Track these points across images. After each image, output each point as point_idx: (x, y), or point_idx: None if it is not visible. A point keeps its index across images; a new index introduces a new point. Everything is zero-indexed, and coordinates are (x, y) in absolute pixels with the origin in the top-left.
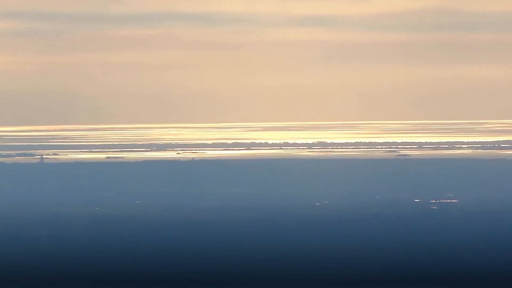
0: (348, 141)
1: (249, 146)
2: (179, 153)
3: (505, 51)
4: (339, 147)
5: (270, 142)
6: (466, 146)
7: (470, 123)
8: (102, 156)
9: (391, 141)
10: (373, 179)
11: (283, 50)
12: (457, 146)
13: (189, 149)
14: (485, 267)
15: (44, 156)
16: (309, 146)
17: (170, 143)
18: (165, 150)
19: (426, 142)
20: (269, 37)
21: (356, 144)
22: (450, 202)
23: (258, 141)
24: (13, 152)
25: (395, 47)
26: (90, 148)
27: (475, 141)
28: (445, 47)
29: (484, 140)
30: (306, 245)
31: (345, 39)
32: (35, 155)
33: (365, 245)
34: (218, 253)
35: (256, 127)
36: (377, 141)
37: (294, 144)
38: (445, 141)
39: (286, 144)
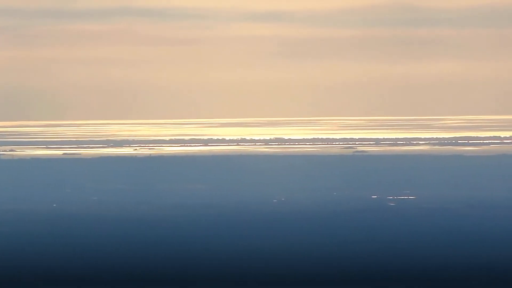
0: (305, 137)
1: (206, 142)
2: (136, 150)
3: (462, 47)
4: (296, 143)
5: (227, 138)
6: (423, 142)
7: (428, 119)
8: (59, 152)
9: (348, 137)
10: (330, 176)
11: (240, 45)
12: (414, 142)
13: (146, 145)
14: (442, 264)
15: (0, 152)
16: (266, 142)
17: (127, 140)
18: (122, 146)
19: (384, 138)
20: (225, 33)
21: (314, 140)
22: (407, 198)
23: (215, 137)
24: None
25: (352, 43)
26: (47, 144)
27: (432, 138)
28: (403, 43)
29: (441, 137)
30: (263, 241)
31: (302, 34)
32: None
33: (322, 242)
34: (175, 250)
35: (213, 123)
36: (334, 137)
37: (252, 140)
38: (402, 137)
39: (244, 140)
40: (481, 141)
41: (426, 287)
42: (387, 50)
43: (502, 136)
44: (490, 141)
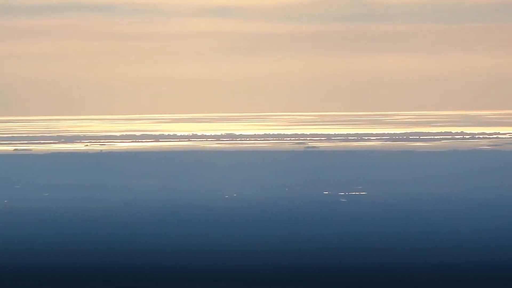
0: (256, 133)
1: (157, 138)
2: (87, 145)
3: (413, 42)
4: (247, 139)
5: (178, 134)
6: (374, 138)
7: (379, 114)
8: (9, 148)
9: (299, 133)
10: (282, 171)
11: (191, 41)
12: (366, 138)
13: (98, 141)
14: (393, 259)
15: None
16: (218, 138)
17: (78, 135)
18: (73, 142)
19: (335, 134)
20: (176, 28)
21: (265, 136)
22: (359, 194)
23: (166, 133)
24: None
25: (305, 38)
26: None
27: (383, 133)
28: (355, 39)
29: (392, 132)
30: (215, 237)
31: (254, 30)
32: None
33: (274, 238)
34: (126, 246)
35: (164, 119)
36: (285, 133)
37: (203, 136)
38: (353, 132)
39: (195, 136)
40: (432, 137)
41: (377, 282)
42: (338, 46)
43: (453, 131)
44: (441, 136)
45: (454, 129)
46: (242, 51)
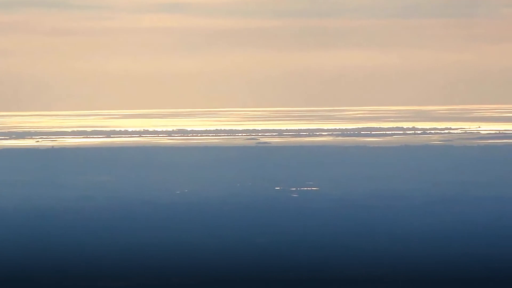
0: (208, 129)
1: (109, 134)
2: (38, 141)
3: (366, 38)
4: (199, 134)
5: (130, 130)
6: (326, 133)
7: (330, 110)
8: None
9: (251, 128)
10: (233, 167)
11: (142, 36)
12: (317, 133)
13: (49, 137)
14: (344, 253)
15: None
16: (169, 133)
17: (29, 131)
18: (24, 138)
19: (287, 129)
20: (128, 24)
21: (216, 132)
22: (311, 189)
23: (118, 129)
24: None
25: (257, 33)
26: None
27: (335, 128)
28: (307, 34)
29: (344, 127)
30: (166, 232)
31: (207, 25)
32: None
33: (225, 233)
34: (79, 241)
35: (115, 115)
36: (237, 128)
37: (154, 132)
38: (305, 128)
39: (146, 132)
40: (384, 132)
41: (326, 277)
42: (291, 40)
43: (405, 127)
44: (392, 132)
45: (405, 125)
46: (193, 47)
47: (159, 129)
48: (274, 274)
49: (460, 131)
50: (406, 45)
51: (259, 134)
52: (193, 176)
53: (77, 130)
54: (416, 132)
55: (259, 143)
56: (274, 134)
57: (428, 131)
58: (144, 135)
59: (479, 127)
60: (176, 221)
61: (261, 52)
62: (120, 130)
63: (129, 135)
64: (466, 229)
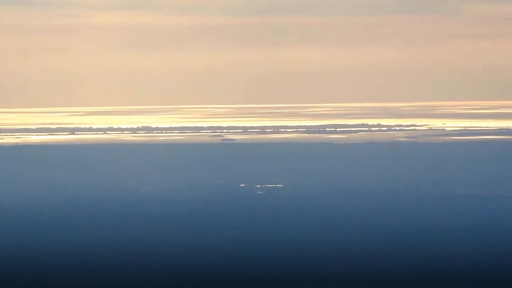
0: (173, 126)
1: (73, 131)
2: (2, 138)
3: (328, 34)
4: (163, 131)
5: (94, 127)
6: (291, 130)
7: (295, 107)
8: None
9: (216, 125)
10: (198, 164)
11: (105, 33)
12: (282, 130)
13: (12, 134)
14: (309, 250)
15: None
16: (134, 130)
17: None
18: None
19: (251, 126)
20: (91, 20)
21: (181, 129)
22: (276, 186)
23: (82, 126)
24: None
25: (217, 30)
26: None
27: (300, 125)
28: (269, 31)
29: (309, 124)
30: (131, 230)
31: (167, 22)
32: None
33: (188, 229)
34: (40, 241)
35: (79, 112)
36: (202, 125)
37: (119, 129)
38: (270, 125)
39: (111, 129)
40: (349, 129)
41: (295, 273)
42: (254, 38)
43: (370, 123)
44: (357, 129)
45: (370, 121)
46: (157, 44)
47: (124, 126)
48: (235, 272)
49: (425, 128)
50: (370, 42)
51: (224, 131)
52: (158, 174)
53: (41, 127)
54: (381, 129)
55: (224, 140)
56: (239, 131)
57: (393, 128)
58: (109, 132)
59: (444, 124)
60: (140, 219)
61: (223, 49)
62: (84, 127)
63: (94, 132)
64: (425, 225)
